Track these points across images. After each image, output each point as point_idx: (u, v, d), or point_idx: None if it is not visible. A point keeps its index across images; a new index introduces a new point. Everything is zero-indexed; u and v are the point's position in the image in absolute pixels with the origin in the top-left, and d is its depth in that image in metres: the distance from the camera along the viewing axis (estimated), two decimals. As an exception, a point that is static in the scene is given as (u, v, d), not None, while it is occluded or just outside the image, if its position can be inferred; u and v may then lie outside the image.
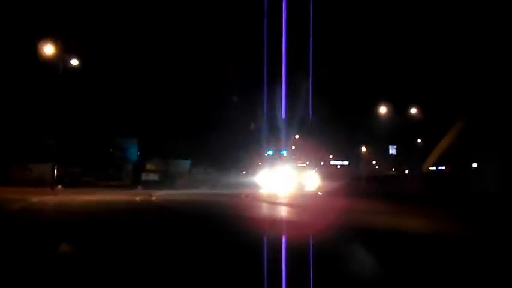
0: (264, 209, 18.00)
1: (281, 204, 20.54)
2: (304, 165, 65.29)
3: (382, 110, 40.80)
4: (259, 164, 40.99)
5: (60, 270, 6.23)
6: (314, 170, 60.47)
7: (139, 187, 32.07)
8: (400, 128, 44.06)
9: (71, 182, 31.91)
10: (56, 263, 6.87)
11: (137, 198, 21.44)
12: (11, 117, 36.92)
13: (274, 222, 12.93)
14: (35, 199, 19.22)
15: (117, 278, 5.72)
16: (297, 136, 67.85)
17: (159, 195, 24.23)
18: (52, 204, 17.60)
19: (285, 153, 44.20)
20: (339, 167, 74.40)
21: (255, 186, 35.96)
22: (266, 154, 44.49)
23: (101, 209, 16.39)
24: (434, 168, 29.98)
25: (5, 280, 5.51)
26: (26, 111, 36.10)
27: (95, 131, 37.20)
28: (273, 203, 20.70)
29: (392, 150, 47.24)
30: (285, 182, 39.30)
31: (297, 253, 7.44)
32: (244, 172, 40.57)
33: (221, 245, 8.28)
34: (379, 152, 53.25)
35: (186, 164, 40.13)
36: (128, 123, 38.26)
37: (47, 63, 27.18)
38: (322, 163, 71.59)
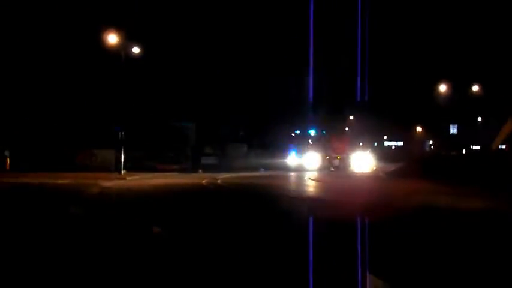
0: (332, 191, 17.79)
1: (344, 186, 20.33)
2: (360, 146, 64.30)
3: (442, 88, 39.29)
4: (308, 146, 40.51)
5: (159, 247, 6.48)
6: (368, 151, 59.41)
7: (200, 170, 32.49)
8: (460, 107, 42.44)
9: (133, 166, 32.64)
10: (155, 241, 7.10)
11: (203, 182, 21.72)
12: (76, 104, 38.23)
13: (353, 204, 12.75)
14: (107, 183, 19.86)
15: (213, 253, 5.78)
16: (351, 117, 66.61)
17: (222, 178, 24.48)
18: (126, 188, 18.09)
19: (312, 132, 42.89)
20: (393, 147, 72.73)
21: (303, 167, 36.09)
22: (293, 134, 43.50)
23: (175, 192, 16.71)
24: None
25: (119, 256, 5.74)
26: (90, 98, 37.25)
27: (155, 116, 37.96)
28: (335, 185, 20.46)
29: (453, 129, 45.51)
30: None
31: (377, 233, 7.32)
32: (292, 154, 40.21)
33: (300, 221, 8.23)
34: (438, 131, 51.59)
35: (243, 147, 40.50)
36: (186, 108, 38.82)
37: (110, 51, 27.74)
38: (376, 144, 70.14)
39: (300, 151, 39.44)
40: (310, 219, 9.45)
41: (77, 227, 8.24)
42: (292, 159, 38.45)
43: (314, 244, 6.63)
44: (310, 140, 41.92)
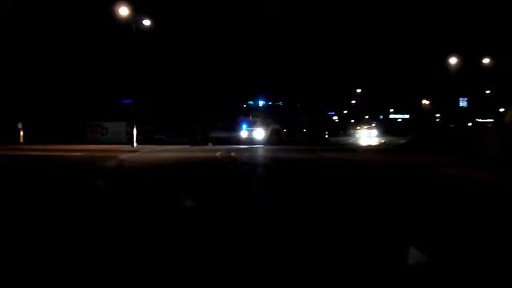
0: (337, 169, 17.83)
1: (357, 160, 20.40)
2: (366, 119, 63.83)
3: (452, 60, 38.88)
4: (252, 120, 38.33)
5: (188, 218, 6.50)
6: (373, 124, 59.03)
7: (210, 144, 32.52)
8: (470, 80, 42.07)
9: (143, 139, 32.65)
10: (184, 213, 7.19)
11: (217, 154, 21.76)
12: (85, 77, 38.06)
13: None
14: (122, 156, 19.91)
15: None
16: (358, 90, 66.10)
17: (235, 151, 24.53)
18: (142, 161, 18.12)
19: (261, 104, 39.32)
20: (399, 120, 72.33)
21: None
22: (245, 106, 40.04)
23: (192, 165, 16.73)
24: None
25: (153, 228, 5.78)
26: (99, 71, 37.07)
27: (165, 90, 37.84)
28: (344, 160, 20.48)
29: (463, 102, 45.22)
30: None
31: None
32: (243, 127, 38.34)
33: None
34: (446, 104, 51.27)
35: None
36: (195, 81, 38.67)
37: (121, 24, 27.50)
38: (381, 117, 69.61)
39: (250, 124, 36.70)
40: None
41: (103, 200, 8.23)
42: (243, 133, 36.44)
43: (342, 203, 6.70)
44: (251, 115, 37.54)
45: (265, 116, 36.87)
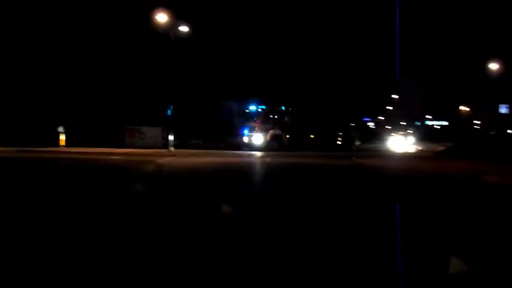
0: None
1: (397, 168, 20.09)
2: (403, 125, 62.48)
3: (492, 66, 37.87)
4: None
5: (229, 224, 6.48)
6: (410, 131, 57.80)
7: (247, 148, 32.59)
8: (510, 86, 40.80)
9: (180, 144, 32.99)
10: (225, 219, 7.19)
11: (253, 159, 21.78)
12: (124, 82, 38.85)
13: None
14: (160, 161, 20.19)
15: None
16: (395, 96, 64.77)
17: (275, 157, 24.49)
18: (180, 165, 18.31)
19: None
20: (437, 127, 70.48)
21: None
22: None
23: (231, 169, 16.75)
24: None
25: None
26: (137, 76, 37.76)
27: (202, 95, 38.22)
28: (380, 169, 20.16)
29: (503, 109, 43.89)
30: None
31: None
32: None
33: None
34: (485, 111, 49.87)
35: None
36: (232, 87, 38.93)
37: (160, 30, 28.01)
38: (418, 123, 67.94)
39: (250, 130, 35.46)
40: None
41: (145, 204, 8.29)
42: (244, 138, 35.50)
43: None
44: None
45: (265, 121, 35.62)
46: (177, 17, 28.29)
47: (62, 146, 33.35)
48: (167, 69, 29.77)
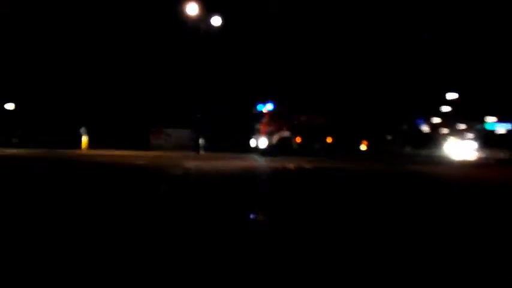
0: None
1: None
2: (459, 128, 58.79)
3: None
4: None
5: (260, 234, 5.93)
6: (469, 135, 54.38)
7: (278, 154, 31.32)
8: None
9: (208, 147, 32.32)
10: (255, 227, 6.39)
11: (290, 166, 20.58)
12: (149, 82, 38.44)
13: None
14: (187, 165, 19.24)
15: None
16: (454, 95, 60.26)
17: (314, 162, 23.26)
18: (208, 170, 17.23)
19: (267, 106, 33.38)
20: (503, 132, 64.86)
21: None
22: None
23: (262, 175, 15.70)
24: None
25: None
26: (164, 76, 37.30)
27: (232, 95, 37.38)
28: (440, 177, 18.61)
29: None
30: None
31: None
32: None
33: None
34: None
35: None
36: (263, 87, 37.88)
37: (188, 25, 27.17)
38: (479, 127, 63.02)
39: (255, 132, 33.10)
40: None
41: (171, 212, 7.50)
42: (251, 141, 33.27)
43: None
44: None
45: (270, 122, 32.58)
46: (207, 10, 27.39)
47: (84, 148, 33.03)
48: (196, 68, 28.98)
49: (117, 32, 38.70)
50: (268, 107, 33.24)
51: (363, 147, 35.76)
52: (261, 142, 32.40)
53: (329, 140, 34.06)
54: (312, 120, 33.84)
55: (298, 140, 33.07)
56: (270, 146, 32.09)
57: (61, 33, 39.72)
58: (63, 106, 40.29)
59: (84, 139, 33.40)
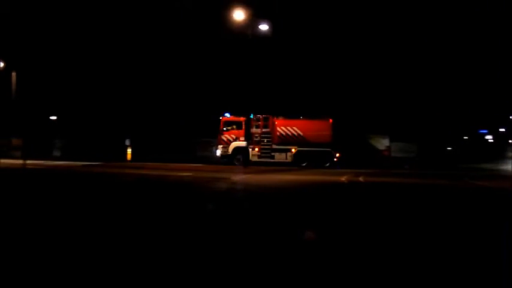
0: None
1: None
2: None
3: None
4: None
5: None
6: None
7: (328, 164, 30.97)
8: None
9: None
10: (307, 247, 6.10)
11: (343, 179, 20.27)
12: (195, 90, 38.97)
13: None
14: (234, 178, 19.22)
15: None
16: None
17: (362, 175, 22.82)
18: (256, 184, 17.15)
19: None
20: None
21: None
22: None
23: (312, 189, 15.47)
24: None
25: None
26: (210, 87, 37.72)
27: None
28: None
29: None
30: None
31: None
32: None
33: None
34: None
35: (385, 140, 37.64)
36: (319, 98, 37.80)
37: (237, 29, 27.36)
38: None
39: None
40: None
41: (217, 229, 7.55)
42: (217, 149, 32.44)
43: None
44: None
45: (226, 130, 31.94)
46: (256, 15, 27.52)
47: (129, 160, 33.72)
48: (244, 77, 29.12)
49: (157, 42, 39.59)
50: (226, 115, 32.88)
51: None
52: (218, 151, 32.16)
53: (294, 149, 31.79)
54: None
55: (256, 149, 31.81)
56: (223, 155, 31.75)
57: (106, 44, 40.98)
58: (107, 118, 41.39)
59: (129, 150, 34.10)
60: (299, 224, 8.32)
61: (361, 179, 20.72)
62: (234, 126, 32.02)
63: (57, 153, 40.29)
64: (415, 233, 7.69)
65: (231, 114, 32.90)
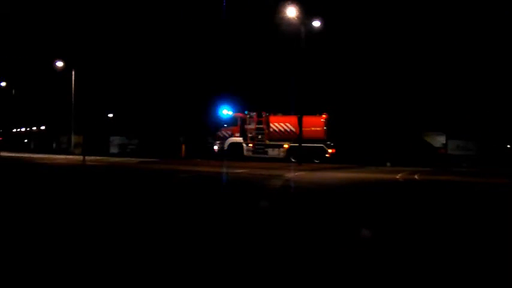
0: None
1: None
2: None
3: None
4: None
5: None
6: None
7: (388, 163, 30.92)
8: None
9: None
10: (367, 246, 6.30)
11: (397, 177, 20.41)
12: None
13: None
14: (288, 175, 19.71)
15: None
16: None
17: (420, 173, 22.82)
18: (309, 181, 17.55)
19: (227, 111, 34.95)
20: None
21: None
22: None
23: (368, 188, 15.67)
24: None
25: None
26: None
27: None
28: None
29: None
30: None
31: None
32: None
33: None
34: None
35: (441, 137, 37.11)
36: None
37: (289, 26, 27.76)
38: None
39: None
40: None
41: (273, 226, 7.85)
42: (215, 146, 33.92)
43: None
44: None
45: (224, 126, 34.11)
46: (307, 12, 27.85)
47: (183, 157, 34.80)
48: (299, 71, 29.43)
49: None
50: (225, 111, 34.87)
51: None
52: (215, 146, 33.89)
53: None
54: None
55: (250, 145, 33.28)
56: (220, 150, 33.34)
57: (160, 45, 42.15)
58: (161, 115, 42.69)
59: (183, 147, 35.17)
60: (357, 222, 8.55)
61: (416, 177, 20.79)
62: (232, 123, 34.01)
63: (114, 150, 41.89)
64: (478, 235, 7.71)
65: (229, 110, 35.19)
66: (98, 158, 32.76)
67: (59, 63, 38.78)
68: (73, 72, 37.29)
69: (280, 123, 32.84)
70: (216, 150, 33.64)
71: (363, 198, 12.72)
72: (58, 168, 23.11)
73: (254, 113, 33.62)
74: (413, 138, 37.15)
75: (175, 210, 9.51)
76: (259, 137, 33.21)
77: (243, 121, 33.52)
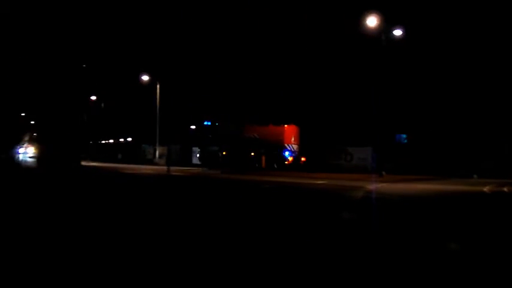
0: None
1: None
2: None
3: None
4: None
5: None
6: None
7: (475, 176, 29.96)
8: None
9: (395, 168, 32.10)
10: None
11: (485, 189, 20.14)
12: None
13: None
14: (369, 186, 19.93)
15: None
16: None
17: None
18: (390, 193, 17.71)
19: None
20: None
21: None
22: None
23: (452, 200, 15.64)
24: None
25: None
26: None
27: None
28: None
29: None
30: None
31: None
32: None
33: None
34: None
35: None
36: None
37: (369, 35, 28.09)
38: None
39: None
40: None
41: (354, 237, 8.32)
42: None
43: None
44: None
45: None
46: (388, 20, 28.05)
47: (263, 168, 35.81)
48: (382, 78, 29.58)
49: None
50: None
51: None
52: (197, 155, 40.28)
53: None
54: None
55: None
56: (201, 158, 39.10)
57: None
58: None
59: (263, 158, 36.22)
60: (442, 235, 8.77)
61: (505, 189, 20.43)
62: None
63: (196, 160, 43.65)
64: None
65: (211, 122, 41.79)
66: (182, 168, 34.40)
67: (145, 77, 40.98)
68: (157, 86, 39.39)
69: (249, 133, 38.87)
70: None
71: (448, 210, 12.85)
72: (147, 177, 24.75)
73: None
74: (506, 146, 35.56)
75: (262, 221, 10.24)
76: None
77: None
